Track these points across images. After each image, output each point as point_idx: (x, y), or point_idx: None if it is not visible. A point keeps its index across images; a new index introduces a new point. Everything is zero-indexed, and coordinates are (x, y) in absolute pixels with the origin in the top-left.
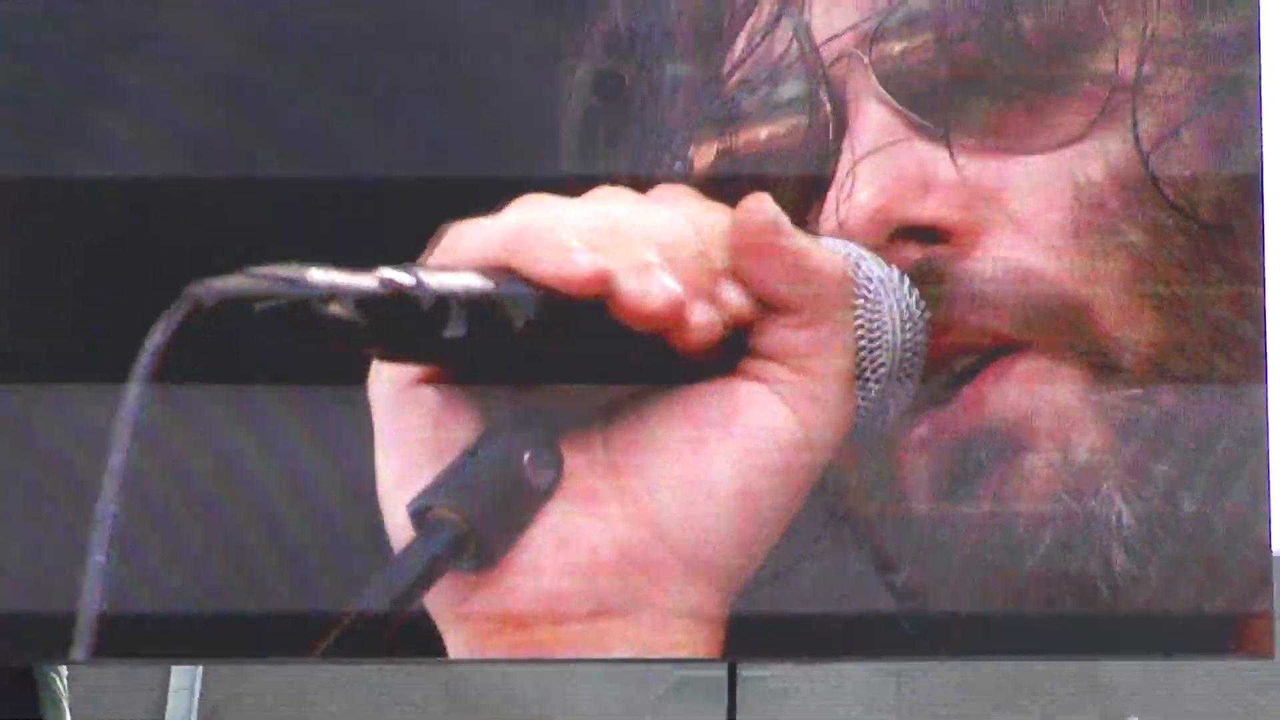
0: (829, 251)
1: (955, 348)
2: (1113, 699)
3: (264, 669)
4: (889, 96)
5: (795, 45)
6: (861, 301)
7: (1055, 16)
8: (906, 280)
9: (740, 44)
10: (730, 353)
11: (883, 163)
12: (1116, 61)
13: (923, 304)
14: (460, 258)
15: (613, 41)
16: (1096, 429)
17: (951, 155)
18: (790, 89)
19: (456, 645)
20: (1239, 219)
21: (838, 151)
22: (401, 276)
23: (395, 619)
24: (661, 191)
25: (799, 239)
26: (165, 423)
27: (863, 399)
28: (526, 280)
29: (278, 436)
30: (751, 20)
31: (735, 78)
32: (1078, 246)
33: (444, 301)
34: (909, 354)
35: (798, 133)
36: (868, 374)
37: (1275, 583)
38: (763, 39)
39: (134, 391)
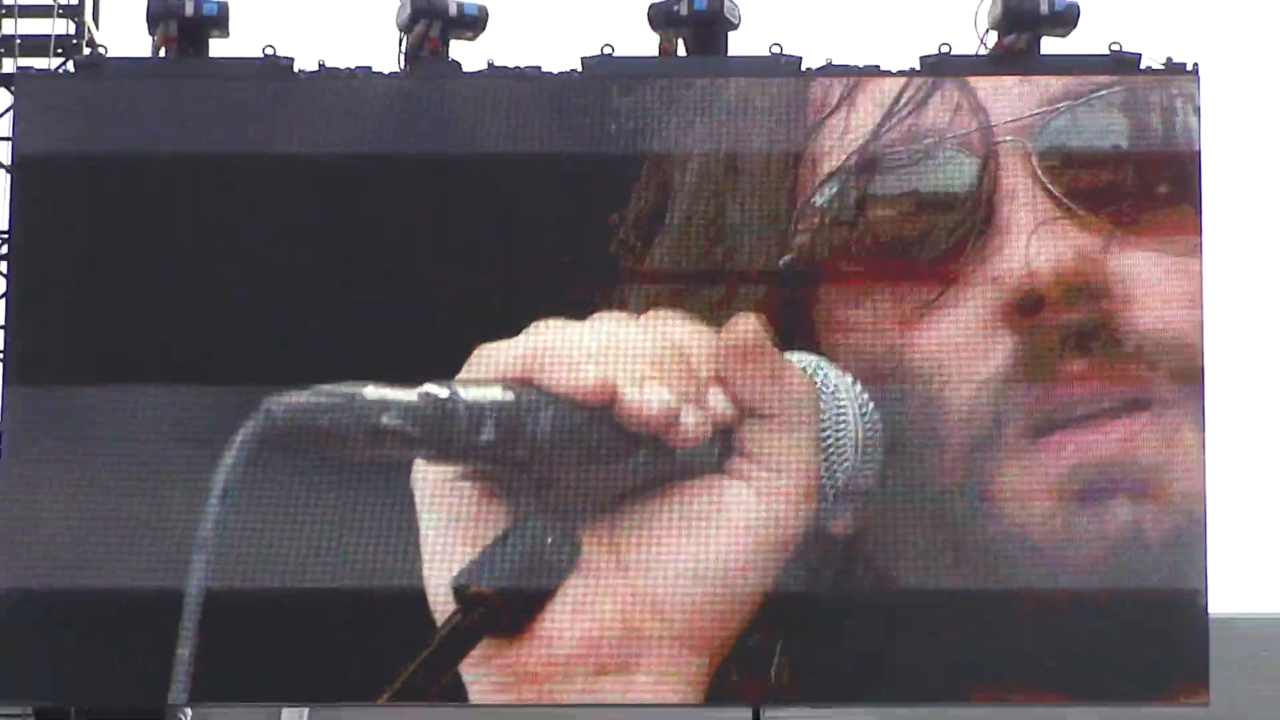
0: (797, 366)
1: (1096, 389)
2: None
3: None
4: (1050, 184)
5: (966, 120)
6: (828, 409)
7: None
8: (858, 384)
9: (893, 121)
10: (716, 450)
11: (1058, 237)
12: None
13: (871, 403)
14: (488, 373)
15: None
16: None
17: (1108, 241)
18: (955, 160)
19: (476, 690)
20: None
21: (989, 217)
22: (440, 391)
23: (441, 675)
24: (652, 314)
25: (778, 357)
26: (251, 504)
27: (830, 486)
28: (544, 391)
29: (344, 523)
30: (892, 102)
31: (879, 142)
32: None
33: (477, 411)
34: (869, 443)
35: (953, 199)
36: (834, 465)
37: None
38: (910, 112)
39: (219, 485)
